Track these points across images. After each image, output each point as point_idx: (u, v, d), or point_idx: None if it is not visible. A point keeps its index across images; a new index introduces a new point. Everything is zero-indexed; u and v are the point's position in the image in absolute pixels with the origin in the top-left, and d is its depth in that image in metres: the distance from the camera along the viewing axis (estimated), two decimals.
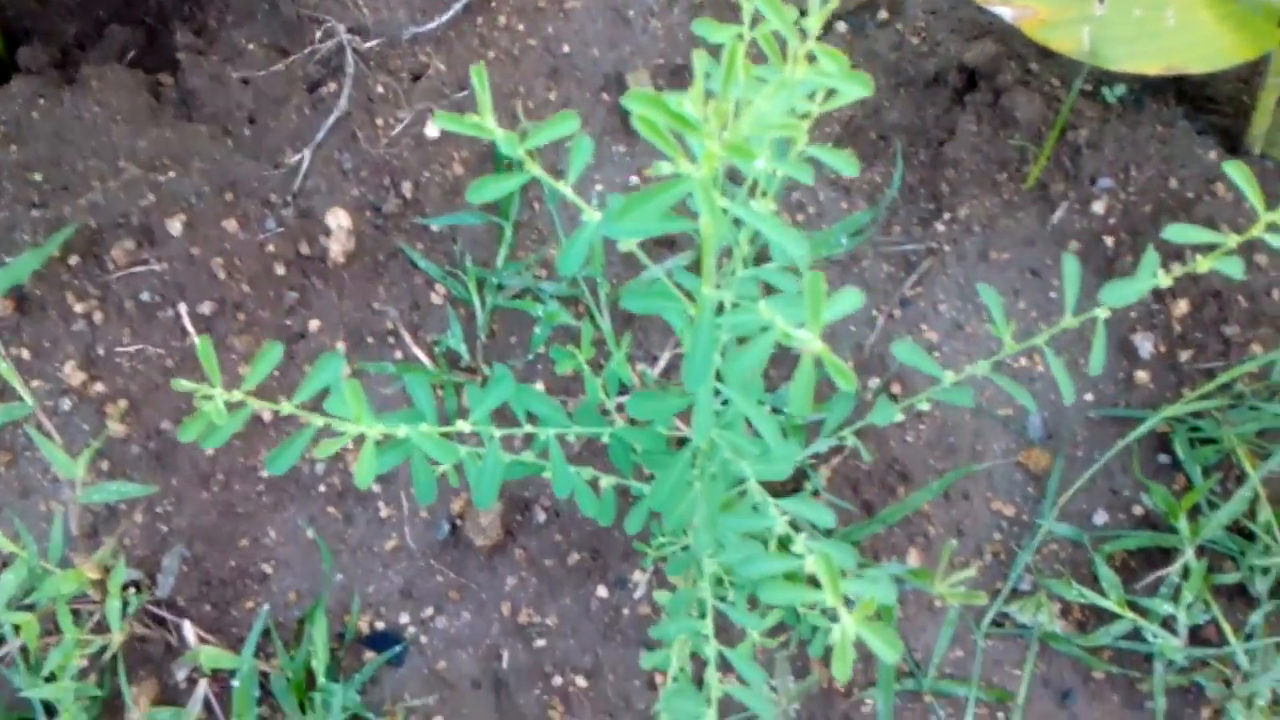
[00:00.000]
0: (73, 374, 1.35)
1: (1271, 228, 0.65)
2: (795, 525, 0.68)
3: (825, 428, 1.11)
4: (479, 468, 0.74)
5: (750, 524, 0.64)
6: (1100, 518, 1.31)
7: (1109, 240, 1.46)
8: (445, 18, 1.71)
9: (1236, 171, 0.67)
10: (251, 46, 1.79)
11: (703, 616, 0.72)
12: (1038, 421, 1.39)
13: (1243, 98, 1.62)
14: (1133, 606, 1.20)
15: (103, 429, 1.31)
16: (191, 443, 1.32)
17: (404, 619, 1.27)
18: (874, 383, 1.38)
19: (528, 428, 0.75)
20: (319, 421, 0.67)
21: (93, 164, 1.62)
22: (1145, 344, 1.38)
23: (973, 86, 1.65)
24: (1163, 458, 1.33)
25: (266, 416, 1.34)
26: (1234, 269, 0.67)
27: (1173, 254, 1.43)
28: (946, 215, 1.56)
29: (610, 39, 1.81)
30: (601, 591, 1.25)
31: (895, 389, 1.39)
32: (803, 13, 0.61)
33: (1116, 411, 1.35)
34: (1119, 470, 1.34)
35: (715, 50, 0.50)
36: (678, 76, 1.78)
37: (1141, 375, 1.37)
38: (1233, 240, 0.67)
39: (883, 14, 1.90)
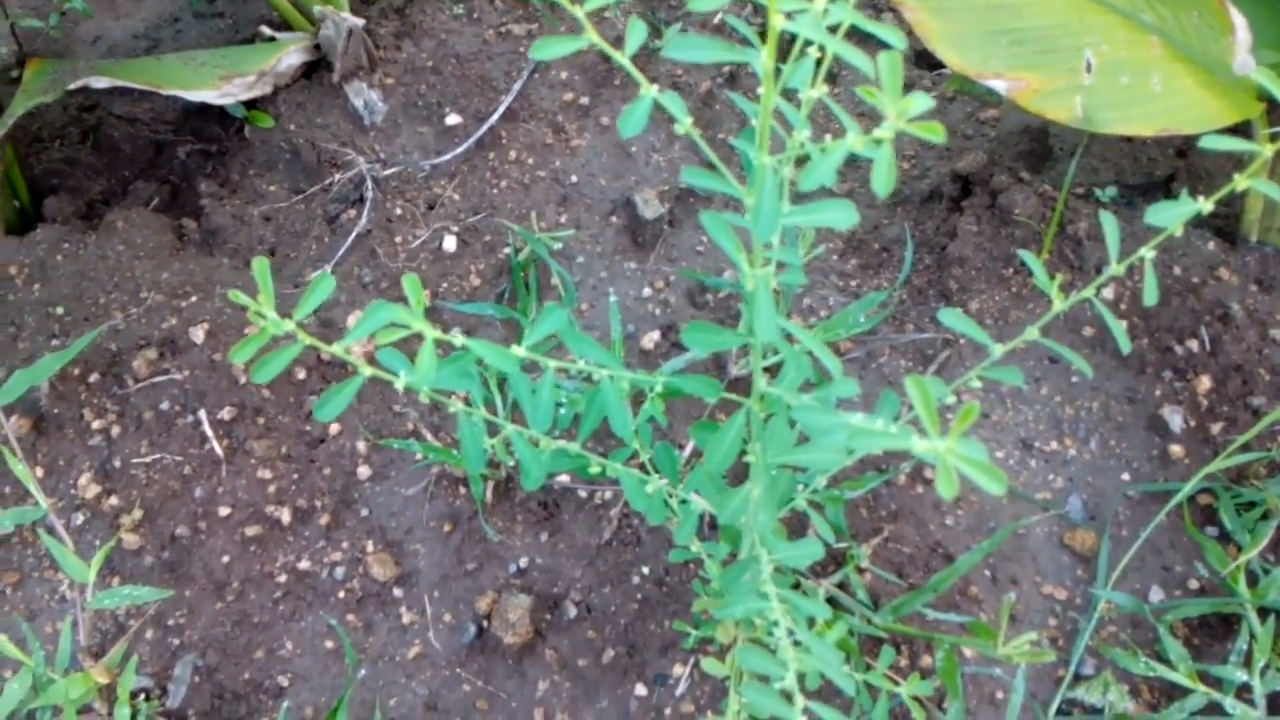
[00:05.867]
0: (87, 487, 1.34)
1: None
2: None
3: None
4: (535, 397, 0.72)
5: (821, 419, 0.61)
6: (1156, 595, 1.27)
7: (1123, 324, 1.50)
8: (458, 151, 1.82)
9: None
10: (273, 188, 1.89)
11: (764, 597, 0.69)
12: (1078, 503, 1.37)
13: (1236, 200, 1.71)
14: (1203, 678, 1.15)
15: (116, 540, 1.28)
16: (206, 551, 1.30)
17: None
18: (905, 467, 1.37)
19: (580, 364, 0.73)
20: (366, 370, 0.66)
21: (115, 296, 1.66)
22: (1175, 417, 1.39)
23: (968, 193, 1.75)
24: (1210, 530, 1.31)
25: (285, 518, 1.32)
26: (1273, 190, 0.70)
27: (1188, 331, 1.46)
28: (958, 310, 1.60)
29: (615, 170, 1.92)
30: (640, 690, 1.19)
31: (927, 473, 1.38)
32: None
33: (1156, 486, 1.35)
34: (1167, 547, 1.31)
35: None
36: (682, 201, 1.87)
37: (1176, 449, 1.37)
38: (1269, 148, 0.69)
39: None
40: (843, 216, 0.52)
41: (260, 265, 0.62)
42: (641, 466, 0.92)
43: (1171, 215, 0.68)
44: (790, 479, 0.80)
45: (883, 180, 0.48)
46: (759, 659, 0.58)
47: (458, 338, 0.65)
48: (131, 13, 2.46)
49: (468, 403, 0.82)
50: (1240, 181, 0.70)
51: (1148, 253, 0.75)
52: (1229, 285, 1.52)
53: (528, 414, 0.74)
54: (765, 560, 0.71)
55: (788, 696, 0.57)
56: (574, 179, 1.88)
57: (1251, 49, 1.26)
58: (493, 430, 0.82)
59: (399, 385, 0.66)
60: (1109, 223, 0.76)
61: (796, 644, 0.66)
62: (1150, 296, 0.75)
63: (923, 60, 2.22)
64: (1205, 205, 0.69)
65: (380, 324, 0.62)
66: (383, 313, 0.60)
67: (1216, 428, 1.38)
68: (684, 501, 0.91)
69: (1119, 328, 0.78)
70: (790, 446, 0.72)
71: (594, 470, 0.87)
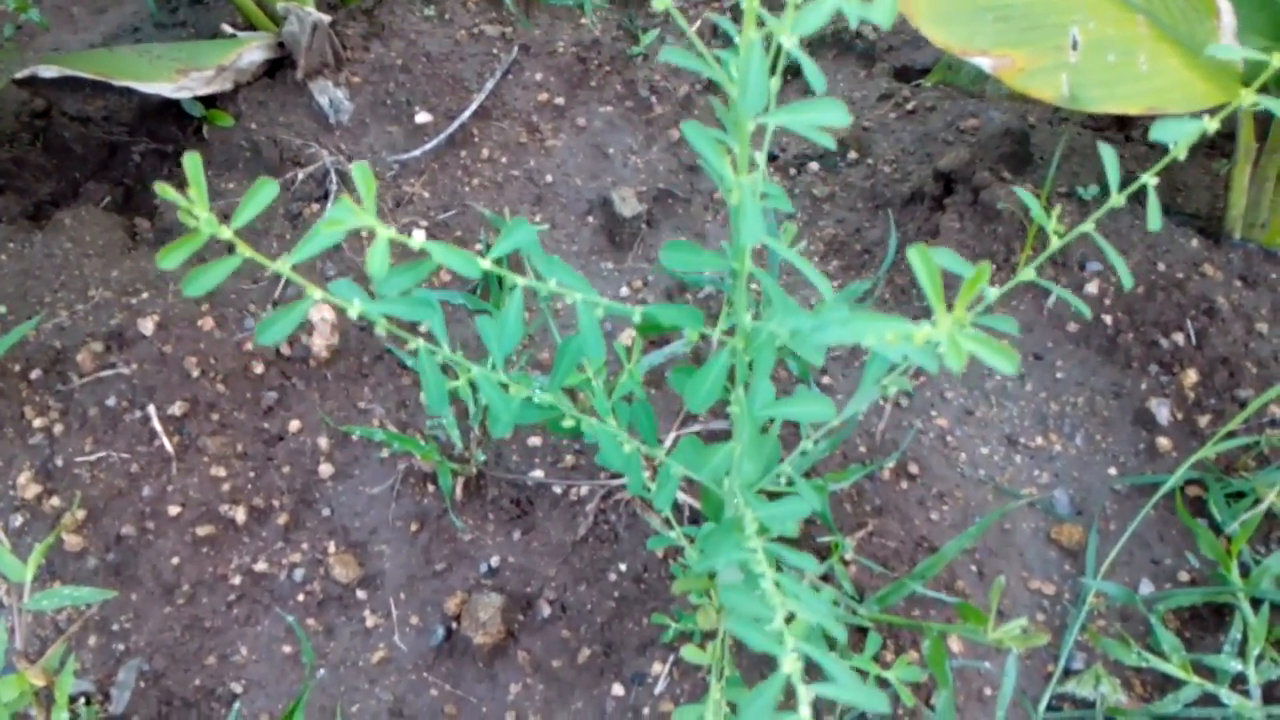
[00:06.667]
0: (26, 486, 1.31)
1: None
2: None
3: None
4: (500, 321, 0.71)
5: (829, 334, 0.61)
6: (1145, 588, 1.28)
7: (1108, 319, 1.52)
8: (428, 147, 1.83)
9: None
10: (232, 186, 1.88)
11: (747, 548, 0.68)
12: (1064, 499, 1.38)
13: (1215, 207, 1.75)
14: (1197, 670, 1.16)
15: (55, 536, 1.25)
16: (154, 553, 1.27)
17: None
18: (889, 461, 1.38)
19: (552, 285, 0.71)
20: (314, 294, 0.64)
21: (61, 295, 1.64)
22: (1162, 410, 1.41)
23: (950, 192, 1.78)
24: (1200, 522, 1.32)
25: (241, 518, 1.29)
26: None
27: (1173, 324, 1.49)
28: (949, 250, 1.62)
29: (592, 171, 1.93)
30: (617, 690, 1.18)
31: (912, 469, 1.39)
32: None
33: (1144, 478, 1.36)
34: (1156, 540, 1.32)
35: None
36: (660, 201, 1.89)
37: (1163, 442, 1.39)
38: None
39: (853, 154, 2.07)
40: (833, 115, 0.52)
41: (191, 160, 0.60)
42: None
43: (1177, 131, 0.69)
44: (775, 443, 0.80)
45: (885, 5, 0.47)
46: (744, 599, 0.57)
47: (416, 240, 0.63)
48: (90, 26, 2.46)
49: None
50: (1246, 96, 0.71)
51: (1150, 179, 0.76)
52: (1213, 281, 1.55)
53: (491, 342, 0.73)
54: (749, 519, 0.71)
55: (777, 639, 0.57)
56: (549, 179, 1.89)
57: (1236, 34, 1.30)
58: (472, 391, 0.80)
59: (352, 313, 0.65)
60: (1107, 153, 0.77)
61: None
62: (1154, 222, 0.75)
63: (900, 75, 2.26)
64: (1210, 125, 0.70)
65: (332, 238, 0.61)
66: (337, 212, 0.59)
67: (1204, 420, 1.40)
68: (665, 483, 0.90)
69: (1119, 263, 0.78)
70: (773, 398, 0.72)
71: (567, 424, 0.87)
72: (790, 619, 0.58)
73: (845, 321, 0.50)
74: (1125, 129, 2.00)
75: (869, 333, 0.48)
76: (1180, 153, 0.73)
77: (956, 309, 0.46)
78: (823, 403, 0.72)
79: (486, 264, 0.66)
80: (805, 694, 0.49)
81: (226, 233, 0.58)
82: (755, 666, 1.14)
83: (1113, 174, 0.76)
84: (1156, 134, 0.69)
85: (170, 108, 2.06)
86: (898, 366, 0.91)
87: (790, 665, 0.52)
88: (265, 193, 0.61)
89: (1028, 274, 0.84)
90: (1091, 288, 1.55)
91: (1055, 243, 0.81)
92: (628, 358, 1.11)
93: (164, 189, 0.57)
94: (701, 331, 0.73)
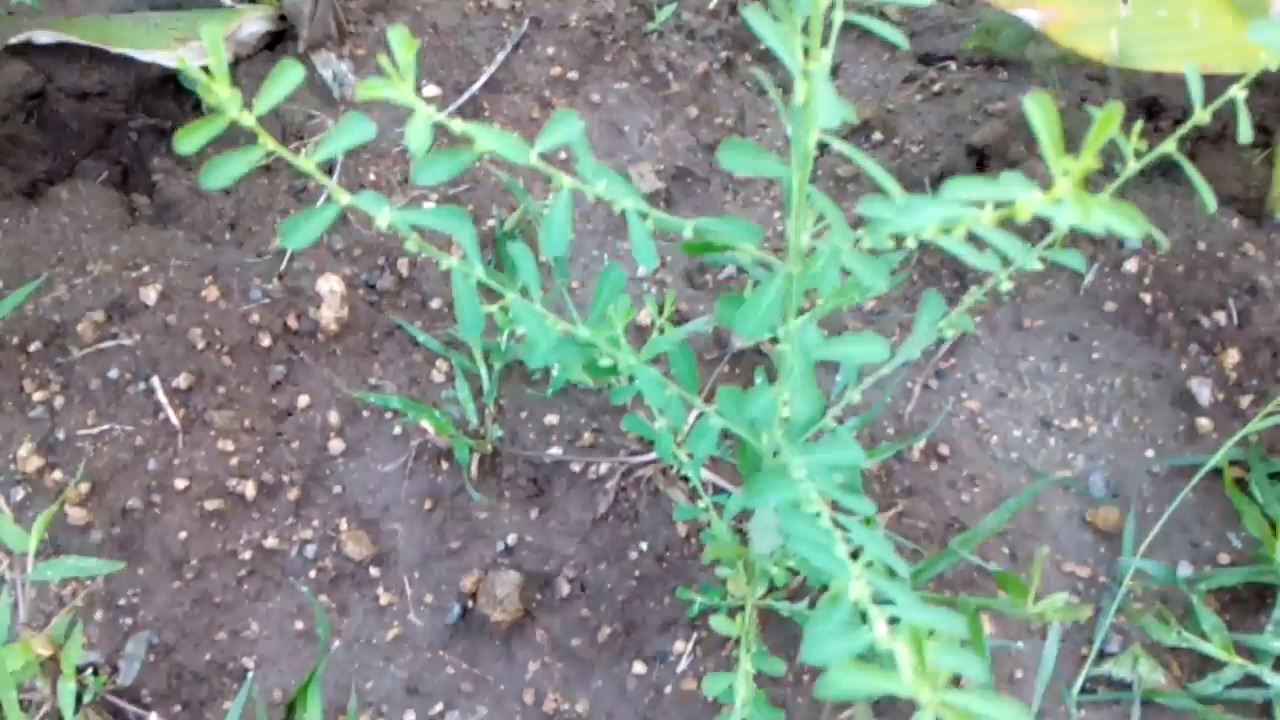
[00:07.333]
0: (28, 459, 1.33)
1: None
2: None
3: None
4: (549, 217, 0.71)
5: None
6: (1184, 570, 1.30)
7: (1147, 298, 1.55)
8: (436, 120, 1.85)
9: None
10: None
11: (797, 485, 0.69)
12: (1099, 481, 1.41)
13: (1249, 195, 1.77)
14: (1238, 650, 1.18)
15: (60, 504, 1.28)
16: (162, 527, 1.29)
17: (409, 718, 1.19)
18: (919, 440, 1.40)
19: (599, 189, 0.72)
20: (343, 195, 0.63)
21: (59, 270, 1.67)
22: (1203, 390, 1.43)
23: (983, 168, 1.80)
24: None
25: (250, 493, 1.32)
26: None
27: (1215, 303, 1.51)
28: (973, 288, 1.64)
29: (607, 149, 1.96)
30: (638, 668, 1.20)
31: (943, 450, 1.41)
32: None
33: (1183, 460, 1.38)
34: (1195, 523, 1.35)
35: None
36: (679, 180, 1.91)
37: (1203, 423, 1.41)
38: None
39: (877, 135, 2.09)
40: None
41: (210, 30, 0.58)
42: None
43: (1272, 35, 0.69)
44: (819, 394, 0.82)
45: None
46: (807, 526, 0.59)
47: (457, 122, 0.64)
48: (83, 10, 2.49)
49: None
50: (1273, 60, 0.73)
51: (1237, 92, 0.77)
52: (1255, 261, 1.57)
53: (519, 272, 0.75)
54: (797, 464, 0.72)
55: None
56: (562, 155, 1.92)
57: None
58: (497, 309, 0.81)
59: (381, 223, 0.66)
60: (1191, 70, 0.78)
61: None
62: (1245, 134, 0.75)
63: (924, 61, 2.29)
64: None
65: (363, 134, 0.62)
66: (371, 83, 0.59)
67: (1246, 401, 1.42)
68: (703, 434, 0.91)
69: (1200, 184, 0.78)
70: (821, 339, 0.74)
71: (604, 363, 0.88)
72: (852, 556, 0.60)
73: (936, 198, 0.51)
74: (1154, 117, 2.02)
75: (978, 192, 0.49)
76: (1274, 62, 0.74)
77: (1084, 157, 0.45)
78: (876, 342, 0.74)
79: (534, 157, 0.67)
80: (877, 613, 0.51)
81: (249, 119, 0.58)
82: (783, 644, 1.16)
83: (1196, 91, 0.77)
84: (1252, 35, 0.70)
85: (168, 83, 2.08)
86: (953, 309, 0.93)
87: (858, 590, 0.54)
88: (291, 75, 0.61)
89: (1132, 171, 0.81)
90: (1130, 265, 1.58)
91: (1132, 165, 0.80)
92: (657, 312, 1.13)
93: (182, 60, 0.57)
94: (754, 254, 0.74)
